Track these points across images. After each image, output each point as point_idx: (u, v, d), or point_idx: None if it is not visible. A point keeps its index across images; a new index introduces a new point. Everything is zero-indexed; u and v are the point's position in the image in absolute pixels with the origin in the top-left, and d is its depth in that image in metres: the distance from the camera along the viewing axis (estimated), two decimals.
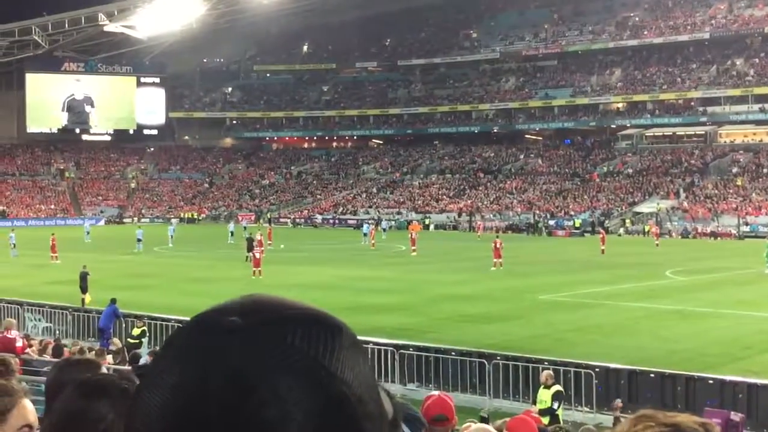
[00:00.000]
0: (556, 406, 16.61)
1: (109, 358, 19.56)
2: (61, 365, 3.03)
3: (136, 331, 25.23)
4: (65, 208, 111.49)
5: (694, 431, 1.33)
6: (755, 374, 20.65)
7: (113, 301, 27.51)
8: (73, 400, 2.35)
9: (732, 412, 18.12)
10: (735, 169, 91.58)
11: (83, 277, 33.78)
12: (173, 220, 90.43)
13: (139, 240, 61.70)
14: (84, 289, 33.32)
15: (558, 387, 17.15)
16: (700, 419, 1.36)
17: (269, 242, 60.73)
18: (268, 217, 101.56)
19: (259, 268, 44.04)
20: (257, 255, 45.31)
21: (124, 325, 27.32)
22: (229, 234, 70.98)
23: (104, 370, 3.15)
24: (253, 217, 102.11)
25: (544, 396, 16.70)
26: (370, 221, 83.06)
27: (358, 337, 0.95)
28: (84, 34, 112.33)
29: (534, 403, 17.26)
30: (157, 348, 16.24)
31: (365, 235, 68.83)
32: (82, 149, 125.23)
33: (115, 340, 24.27)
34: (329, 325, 1.07)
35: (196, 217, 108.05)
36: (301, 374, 1.00)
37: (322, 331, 1.05)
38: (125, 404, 1.45)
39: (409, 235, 61.23)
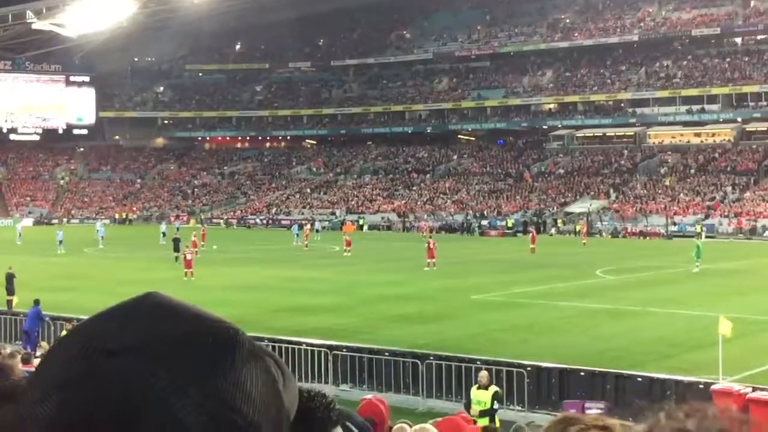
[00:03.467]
0: (496, 406, 16.65)
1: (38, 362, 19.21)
2: None
3: (64, 334, 24.69)
4: None
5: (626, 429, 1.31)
6: (684, 371, 20.98)
7: (36, 302, 26.95)
8: None
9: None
10: (663, 170, 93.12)
11: (9, 278, 33.20)
12: (101, 221, 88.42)
13: (60, 242, 60.76)
14: (10, 291, 32.72)
15: (496, 387, 17.21)
16: (627, 423, 1.34)
17: (202, 243, 60.22)
18: (201, 217, 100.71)
19: (191, 269, 43.60)
20: (188, 256, 44.82)
21: (53, 328, 26.76)
22: (161, 235, 70.10)
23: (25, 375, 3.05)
24: (179, 218, 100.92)
25: (483, 397, 16.65)
26: (303, 222, 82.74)
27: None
28: (11, 32, 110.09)
29: (468, 402, 17.24)
30: None
31: (297, 235, 68.83)
32: (9, 149, 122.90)
33: (43, 343, 23.80)
34: (222, 341, 0.98)
35: (129, 218, 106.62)
36: (189, 408, 0.92)
37: (214, 351, 0.96)
38: None
39: (343, 236, 61.18)
